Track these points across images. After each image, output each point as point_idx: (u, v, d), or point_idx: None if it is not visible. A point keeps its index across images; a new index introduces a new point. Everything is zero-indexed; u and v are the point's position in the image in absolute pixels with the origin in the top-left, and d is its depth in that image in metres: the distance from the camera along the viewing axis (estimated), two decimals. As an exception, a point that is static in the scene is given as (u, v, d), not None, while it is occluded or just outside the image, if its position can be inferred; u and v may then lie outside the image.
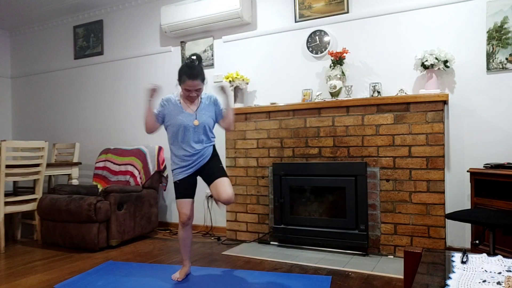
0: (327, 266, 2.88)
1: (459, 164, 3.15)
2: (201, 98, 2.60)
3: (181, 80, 2.46)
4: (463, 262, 1.33)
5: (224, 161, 2.78)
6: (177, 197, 2.61)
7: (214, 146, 2.69)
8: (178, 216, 4.36)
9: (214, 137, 2.68)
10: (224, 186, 2.51)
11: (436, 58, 3.04)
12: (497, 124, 3.03)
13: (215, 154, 2.68)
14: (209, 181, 2.59)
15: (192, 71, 2.42)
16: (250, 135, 3.70)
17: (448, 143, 3.19)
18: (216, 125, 2.72)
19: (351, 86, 3.42)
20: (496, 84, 3.03)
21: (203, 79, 2.47)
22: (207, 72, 4.24)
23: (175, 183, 2.62)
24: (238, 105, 3.89)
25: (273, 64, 3.93)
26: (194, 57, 2.47)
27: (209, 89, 3.91)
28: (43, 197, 3.77)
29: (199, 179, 2.67)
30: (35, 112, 5.73)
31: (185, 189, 2.60)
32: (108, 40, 5.03)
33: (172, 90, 4.50)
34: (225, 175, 2.59)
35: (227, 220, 3.80)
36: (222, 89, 2.58)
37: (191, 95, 2.48)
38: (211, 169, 2.61)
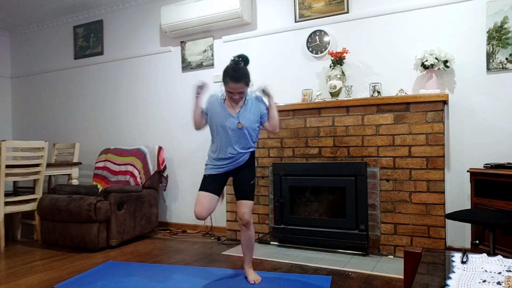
0: (327, 266, 2.88)
1: (459, 164, 3.15)
2: (246, 98, 2.50)
3: (224, 81, 2.39)
4: (463, 262, 1.33)
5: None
6: (199, 189, 2.55)
7: (253, 152, 2.59)
8: (177, 217, 4.31)
9: (255, 142, 2.58)
10: (244, 209, 2.53)
11: (436, 58, 3.04)
12: (497, 124, 3.03)
13: (251, 162, 2.58)
14: (236, 195, 2.59)
15: (235, 74, 2.33)
16: (250, 135, 3.69)
17: (448, 143, 3.19)
18: None
19: (351, 86, 3.42)
20: (496, 84, 3.03)
21: (247, 82, 2.39)
22: (207, 72, 4.29)
23: (204, 176, 2.59)
24: (238, 105, 3.89)
25: (273, 64, 3.93)
26: (239, 58, 2.37)
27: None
28: (43, 197, 3.77)
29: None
30: (35, 112, 5.73)
31: (210, 183, 2.54)
32: (108, 40, 5.02)
33: (172, 91, 4.53)
34: (250, 197, 2.56)
35: (227, 220, 3.80)
36: (264, 92, 2.52)
37: (233, 97, 2.41)
38: (241, 185, 2.56)
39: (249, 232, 2.58)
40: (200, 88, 2.52)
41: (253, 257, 2.92)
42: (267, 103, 2.55)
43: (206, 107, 2.57)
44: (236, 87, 2.35)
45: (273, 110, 2.53)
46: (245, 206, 2.53)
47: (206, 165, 2.61)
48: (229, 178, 2.64)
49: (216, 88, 4.10)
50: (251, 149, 2.56)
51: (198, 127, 2.58)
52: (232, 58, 2.39)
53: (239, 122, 2.45)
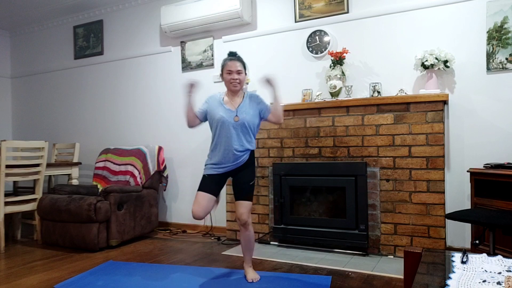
0: (327, 266, 2.88)
1: (459, 164, 3.15)
2: (244, 95, 2.60)
3: (223, 65, 2.54)
4: (463, 262, 1.33)
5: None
6: (198, 189, 2.56)
7: (252, 152, 2.61)
8: (177, 217, 4.29)
9: (254, 142, 2.60)
10: (242, 209, 2.53)
11: (436, 58, 3.04)
12: (497, 124, 3.03)
13: (251, 162, 2.59)
14: (235, 195, 2.59)
15: (231, 54, 2.57)
16: (250, 135, 3.69)
17: (448, 143, 3.19)
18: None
19: (351, 86, 3.42)
20: (496, 84, 3.03)
21: (244, 64, 2.54)
22: (207, 72, 4.29)
23: (203, 175, 2.59)
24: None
25: (273, 64, 3.93)
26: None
27: (212, 89, 3.92)
28: (43, 197, 3.77)
29: None
30: (35, 112, 5.73)
31: (208, 184, 2.54)
32: (108, 40, 5.02)
33: (172, 91, 4.52)
34: (249, 198, 2.56)
35: (227, 220, 3.80)
36: (268, 81, 2.52)
37: (233, 78, 2.49)
38: (241, 185, 2.56)
39: (247, 232, 2.58)
40: (191, 86, 2.53)
41: (254, 257, 2.92)
42: (271, 93, 2.54)
43: (205, 107, 2.60)
44: (234, 64, 2.49)
45: (277, 100, 2.54)
46: (243, 206, 2.53)
47: (205, 165, 2.61)
48: (229, 178, 2.64)
49: (216, 88, 4.10)
50: (251, 148, 2.57)
51: (191, 125, 2.61)
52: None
53: (236, 115, 2.49)
